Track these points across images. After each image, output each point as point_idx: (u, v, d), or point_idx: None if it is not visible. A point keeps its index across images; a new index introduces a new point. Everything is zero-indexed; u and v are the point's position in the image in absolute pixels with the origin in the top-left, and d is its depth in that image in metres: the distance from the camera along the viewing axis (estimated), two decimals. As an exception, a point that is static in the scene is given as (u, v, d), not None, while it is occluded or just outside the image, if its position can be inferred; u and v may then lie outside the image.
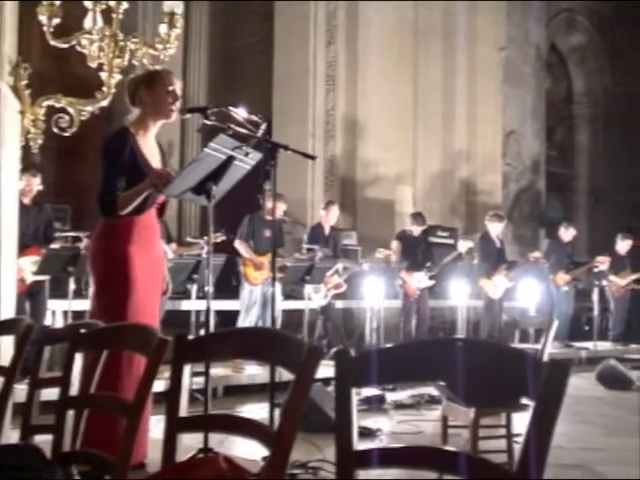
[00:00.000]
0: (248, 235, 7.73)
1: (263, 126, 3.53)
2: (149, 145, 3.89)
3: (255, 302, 7.74)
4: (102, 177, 3.75)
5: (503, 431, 4.21)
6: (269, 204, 7.74)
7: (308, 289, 7.73)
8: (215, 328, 7.95)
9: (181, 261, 7.04)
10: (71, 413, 2.11)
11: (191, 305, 7.31)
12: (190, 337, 1.79)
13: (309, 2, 11.74)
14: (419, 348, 1.41)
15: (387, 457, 1.36)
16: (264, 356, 1.62)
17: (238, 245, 7.67)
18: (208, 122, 3.46)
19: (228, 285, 8.44)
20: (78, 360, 2.12)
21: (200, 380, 6.09)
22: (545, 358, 4.00)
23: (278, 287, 7.86)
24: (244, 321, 7.75)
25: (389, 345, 1.45)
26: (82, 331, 2.14)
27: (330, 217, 8.66)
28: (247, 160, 3.55)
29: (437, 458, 1.30)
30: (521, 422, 4.32)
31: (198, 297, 7.09)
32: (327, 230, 8.67)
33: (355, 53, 11.66)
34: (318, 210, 11.53)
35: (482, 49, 13.06)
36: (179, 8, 5.49)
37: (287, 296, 8.45)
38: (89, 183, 12.17)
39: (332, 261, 8.15)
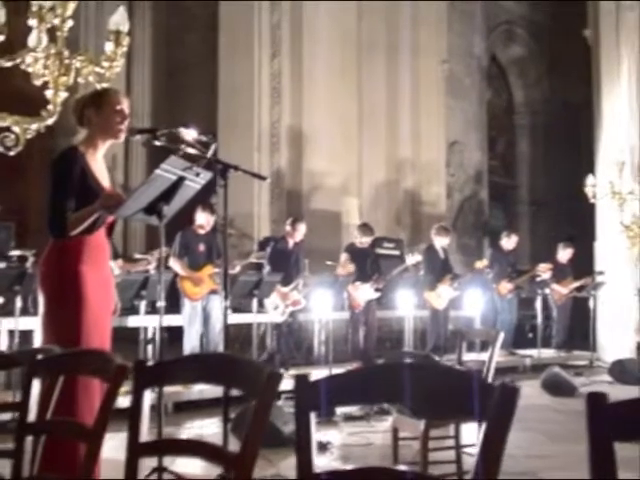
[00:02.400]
0: (181, 252, 7.68)
1: (213, 146, 3.56)
2: (98, 165, 3.88)
3: (197, 317, 7.73)
4: (51, 197, 3.72)
5: (452, 442, 4.30)
6: (199, 219, 7.77)
7: (265, 303, 7.75)
8: (163, 344, 7.98)
9: (129, 278, 7.00)
10: (29, 438, 2.11)
11: (139, 321, 7.27)
12: (149, 362, 1.82)
13: (253, 14, 11.79)
14: (372, 372, 1.47)
15: (343, 478, 1.41)
16: (224, 381, 1.66)
17: (172, 263, 7.55)
18: (158, 143, 3.48)
19: (177, 301, 8.42)
20: (36, 385, 2.12)
21: (153, 396, 6.12)
22: (492, 370, 4.11)
23: (220, 300, 7.87)
24: (189, 336, 7.73)
25: (345, 370, 1.50)
26: (39, 357, 2.15)
27: (296, 234, 8.69)
28: (197, 180, 3.58)
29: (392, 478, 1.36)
30: (469, 433, 4.44)
31: (147, 313, 7.06)
32: (291, 245, 8.70)
33: (300, 65, 11.74)
34: (265, 222, 11.61)
35: (425, 62, 13.28)
36: (125, 26, 5.49)
37: (235, 309, 8.45)
38: (32, 200, 12.05)
39: (287, 276, 8.19)
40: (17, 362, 2.36)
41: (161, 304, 3.79)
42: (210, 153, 3.54)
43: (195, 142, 3.58)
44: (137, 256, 7.59)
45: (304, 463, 1.43)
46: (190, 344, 7.65)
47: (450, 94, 14.05)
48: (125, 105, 3.86)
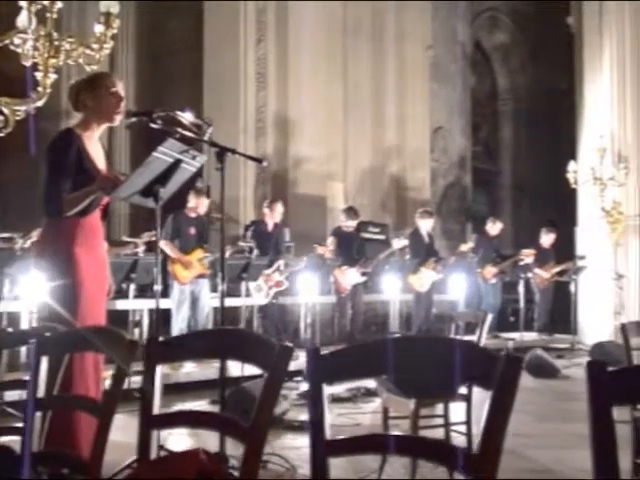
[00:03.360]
0: (173, 234, 7.71)
1: (209, 130, 3.61)
2: (94, 146, 3.91)
3: (185, 300, 7.78)
4: (47, 178, 3.75)
5: (440, 420, 4.39)
6: (192, 202, 7.81)
7: (250, 286, 7.80)
8: (158, 326, 8.02)
9: (118, 260, 7.03)
10: (38, 414, 2.17)
11: (128, 304, 7.31)
12: (160, 338, 1.88)
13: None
14: (382, 345, 1.54)
15: (356, 445, 1.48)
16: (236, 355, 1.72)
17: (164, 245, 7.57)
18: (155, 126, 3.52)
19: (164, 283, 8.47)
20: (44, 362, 2.18)
21: (139, 379, 6.17)
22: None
23: (207, 284, 7.93)
24: (176, 319, 7.79)
25: (358, 344, 1.57)
26: (48, 334, 2.20)
27: (275, 215, 8.74)
28: (193, 163, 3.63)
29: (407, 445, 1.43)
30: (457, 412, 4.54)
31: (136, 296, 7.10)
32: (270, 227, 8.76)
33: (285, 51, 11.74)
34: (250, 206, 11.64)
35: (410, 47, 13.33)
36: (115, 8, 5.50)
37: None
38: (12, 181, 11.98)
39: (270, 258, 8.25)
40: (25, 339, 2.41)
41: (157, 287, 3.84)
42: (206, 136, 3.59)
43: (191, 125, 3.62)
44: (125, 239, 7.61)
45: (317, 432, 1.50)
46: (177, 327, 7.70)
47: (434, 80, 14.12)
48: (120, 87, 3.89)
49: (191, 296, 7.80)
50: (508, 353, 1.38)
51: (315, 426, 1.52)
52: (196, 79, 12.04)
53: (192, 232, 7.87)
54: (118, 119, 3.86)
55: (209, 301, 7.94)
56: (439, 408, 4.43)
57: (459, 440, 4.30)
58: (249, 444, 1.60)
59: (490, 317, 4.15)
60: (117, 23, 5.47)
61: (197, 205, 7.90)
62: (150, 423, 1.79)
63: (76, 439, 3.07)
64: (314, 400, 1.53)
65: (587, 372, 1.28)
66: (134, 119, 3.59)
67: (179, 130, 3.56)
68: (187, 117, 3.66)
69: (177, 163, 3.52)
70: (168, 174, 3.54)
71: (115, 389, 1.94)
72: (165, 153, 3.43)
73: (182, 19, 13.51)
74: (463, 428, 4.30)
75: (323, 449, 1.49)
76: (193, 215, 7.92)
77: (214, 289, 8.31)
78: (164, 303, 8.05)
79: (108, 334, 2.09)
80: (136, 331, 7.78)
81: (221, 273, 3.78)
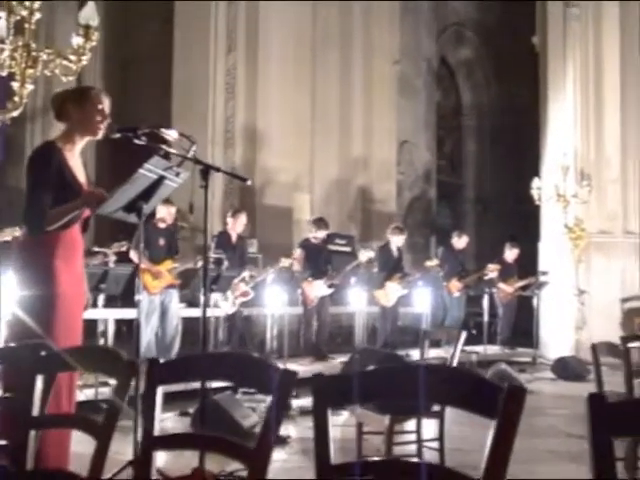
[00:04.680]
0: (138, 243, 7.65)
1: (194, 147, 3.64)
2: (75, 160, 3.91)
3: (154, 311, 7.76)
4: (29, 192, 3.74)
5: (413, 436, 4.47)
6: (161, 212, 7.80)
7: (215, 297, 7.81)
8: (116, 337, 7.99)
9: (88, 271, 6.98)
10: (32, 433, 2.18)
11: (97, 314, 7.27)
12: (161, 360, 1.92)
13: (209, 8, 11.79)
14: (389, 373, 1.60)
15: (363, 469, 1.54)
16: (238, 379, 1.76)
17: (133, 255, 7.59)
18: (139, 142, 3.55)
19: (133, 293, 8.44)
20: (39, 381, 2.20)
21: (106, 390, 6.14)
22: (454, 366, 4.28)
23: (176, 295, 7.93)
24: (145, 330, 7.75)
25: (363, 370, 1.62)
26: (43, 353, 2.22)
27: (237, 225, 8.76)
28: (177, 179, 3.66)
29: (412, 471, 1.49)
30: (429, 427, 4.62)
31: (105, 306, 7.08)
32: (234, 238, 8.77)
33: (255, 61, 11.78)
34: (217, 217, 11.64)
35: (377, 61, 13.45)
36: (94, 21, 5.50)
37: (190, 304, 8.50)
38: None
39: (238, 269, 8.27)
40: (18, 357, 2.41)
41: (138, 297, 3.86)
42: (191, 154, 3.62)
43: (176, 142, 3.65)
44: (95, 249, 7.58)
45: (323, 456, 1.55)
46: (146, 337, 7.67)
47: (401, 94, 14.26)
48: (106, 104, 3.90)
49: (160, 307, 7.79)
50: (510, 385, 1.44)
51: (320, 449, 1.57)
52: (165, 88, 12.02)
53: (161, 243, 7.87)
54: (101, 134, 3.87)
55: (178, 312, 7.95)
56: (411, 424, 4.51)
57: (432, 456, 4.39)
58: (253, 466, 1.65)
59: (464, 335, 4.23)
60: (96, 36, 5.49)
61: (166, 215, 7.89)
62: (151, 445, 1.82)
63: (66, 455, 3.07)
64: (319, 424, 1.58)
65: (588, 405, 1.35)
66: (119, 135, 3.61)
67: (164, 147, 3.59)
68: (172, 134, 3.69)
69: (161, 179, 3.55)
70: (151, 190, 3.57)
71: (114, 410, 1.97)
72: (150, 170, 3.46)
73: (151, 27, 13.47)
74: (435, 444, 4.39)
75: (328, 473, 1.53)
76: (162, 225, 7.92)
77: (183, 299, 8.32)
78: (133, 313, 8.05)
79: (106, 354, 2.12)
80: (101, 341, 7.74)
81: (203, 287, 3.79)
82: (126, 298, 7.74)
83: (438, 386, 1.48)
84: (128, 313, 7.87)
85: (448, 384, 1.47)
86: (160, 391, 1.88)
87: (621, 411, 1.35)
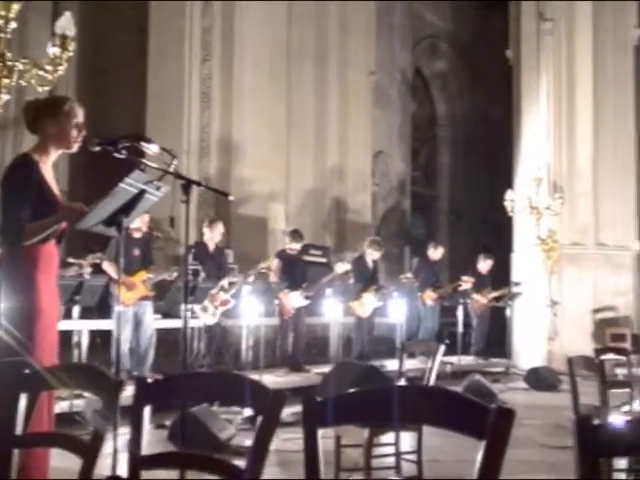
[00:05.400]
0: (116, 256, 7.55)
1: (175, 161, 3.64)
2: (49, 172, 3.88)
3: (127, 322, 7.70)
4: (7, 206, 3.71)
5: (391, 449, 4.48)
6: (135, 222, 7.72)
7: (194, 308, 7.78)
8: (90, 348, 7.93)
9: (63, 282, 6.93)
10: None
11: (72, 325, 7.22)
12: (149, 380, 1.92)
13: (184, 16, 11.78)
14: (374, 394, 1.62)
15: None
16: (228, 399, 1.77)
17: (106, 267, 7.50)
18: (120, 156, 3.53)
19: (107, 305, 8.39)
20: (23, 399, 2.18)
21: (80, 402, 6.10)
22: (432, 379, 4.31)
23: (150, 306, 7.88)
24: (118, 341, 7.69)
25: (352, 390, 1.63)
26: (27, 371, 2.21)
27: (215, 235, 8.75)
28: (157, 193, 3.65)
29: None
30: (407, 440, 4.64)
31: (80, 318, 7.03)
32: (212, 248, 8.75)
33: (230, 71, 11.79)
34: (193, 227, 11.58)
35: (353, 72, 13.51)
36: (71, 30, 5.48)
37: (165, 315, 8.46)
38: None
39: (215, 280, 8.25)
40: (1, 375, 2.39)
41: (120, 308, 3.84)
42: (172, 168, 3.62)
43: (156, 156, 3.65)
44: (70, 260, 7.52)
45: (313, 477, 1.56)
46: (120, 349, 7.61)
47: (376, 105, 14.33)
48: (81, 117, 3.86)
49: (134, 318, 7.72)
50: (499, 406, 1.46)
51: (309, 469, 1.58)
52: (139, 96, 11.97)
53: (136, 253, 7.79)
54: (76, 147, 3.83)
55: (152, 323, 7.89)
56: (389, 436, 4.52)
57: (410, 468, 4.41)
58: (243, 487, 1.65)
59: (442, 349, 4.26)
60: (73, 46, 5.47)
61: (141, 225, 7.83)
62: (138, 464, 1.82)
63: (44, 472, 3.05)
64: (308, 444, 1.59)
65: (575, 427, 1.37)
66: (98, 148, 3.59)
67: (145, 162, 3.58)
68: (152, 148, 3.68)
69: (141, 193, 3.55)
70: (132, 204, 3.56)
71: (100, 430, 1.96)
72: (131, 184, 3.45)
73: (126, 34, 13.43)
74: (413, 456, 4.41)
75: (319, 494, 1.55)
76: (137, 235, 7.85)
77: (158, 311, 8.27)
78: (107, 324, 7.99)
79: (91, 373, 2.11)
80: (76, 352, 7.68)
81: (184, 300, 3.77)
82: (101, 309, 7.69)
83: (428, 407, 1.50)
84: (103, 324, 7.83)
85: (438, 405, 1.49)
86: (147, 410, 1.88)
87: (607, 432, 1.38)
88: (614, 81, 12.11)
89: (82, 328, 7.44)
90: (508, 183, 12.32)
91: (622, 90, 12.24)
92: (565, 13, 12.05)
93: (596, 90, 12.01)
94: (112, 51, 13.65)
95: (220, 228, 8.83)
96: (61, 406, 5.91)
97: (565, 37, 12.07)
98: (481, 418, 1.45)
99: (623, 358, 5.46)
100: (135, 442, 1.84)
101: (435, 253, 11.25)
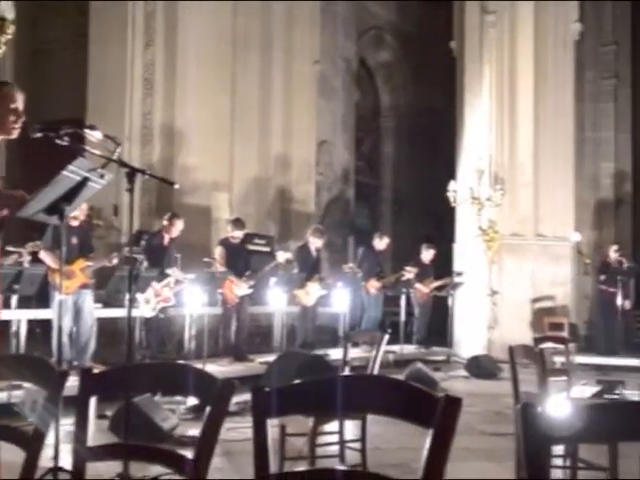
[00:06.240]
0: (53, 244, 7.40)
1: (118, 149, 3.59)
2: (-13, 160, 3.80)
3: (67, 311, 7.57)
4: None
5: (335, 437, 4.51)
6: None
7: (138, 298, 7.70)
8: (29, 338, 7.77)
9: (1, 271, 6.78)
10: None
11: (10, 315, 7.06)
12: (95, 370, 1.89)
13: (126, 1, 11.58)
14: (321, 384, 1.63)
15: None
16: (176, 390, 1.76)
17: (44, 256, 7.35)
18: (62, 143, 3.46)
19: (47, 294, 8.23)
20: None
21: (19, 393, 5.98)
22: (377, 368, 4.35)
23: (90, 295, 7.76)
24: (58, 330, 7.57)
25: (300, 381, 1.64)
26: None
27: (173, 230, 8.74)
28: (100, 181, 3.60)
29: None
30: (351, 428, 4.68)
31: (19, 307, 6.89)
32: (166, 241, 8.72)
33: (174, 58, 11.65)
34: (135, 215, 11.43)
35: (297, 61, 13.47)
36: (10, 13, 5.36)
37: (105, 304, 8.35)
38: None
39: (160, 275, 8.19)
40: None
41: (61, 297, 3.78)
42: (115, 156, 3.57)
43: (100, 143, 3.59)
44: (10, 249, 7.34)
45: (262, 467, 1.56)
46: (61, 339, 7.48)
47: (320, 94, 14.32)
48: (20, 102, 3.74)
49: (74, 307, 7.59)
50: (447, 394, 1.48)
51: (259, 460, 1.58)
52: (80, 80, 11.73)
53: (74, 241, 7.62)
54: (16, 133, 3.73)
55: (93, 312, 7.78)
56: (333, 425, 4.55)
57: (354, 456, 4.44)
58: (193, 476, 1.65)
59: (386, 338, 4.30)
60: (12, 29, 5.35)
61: (78, 214, 7.68)
62: (85, 456, 1.79)
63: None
64: (258, 435, 1.59)
65: (520, 414, 1.40)
66: (39, 134, 3.51)
67: (88, 149, 3.52)
68: (96, 135, 3.62)
69: (84, 181, 3.49)
70: (74, 192, 3.50)
71: (44, 422, 1.93)
72: (74, 172, 3.39)
73: (66, 15, 13.12)
74: (357, 445, 4.44)
75: (268, 484, 1.55)
76: (75, 224, 7.68)
77: (98, 300, 8.15)
78: (46, 314, 7.85)
79: (34, 363, 2.07)
80: (14, 342, 7.52)
81: (128, 289, 3.73)
82: (41, 299, 7.55)
83: (375, 397, 1.51)
84: (42, 314, 7.69)
85: (386, 395, 1.51)
86: (93, 402, 1.86)
87: (554, 419, 1.41)
88: (554, 74, 12.33)
89: (21, 317, 7.29)
90: (450, 173, 12.47)
91: (562, 83, 12.47)
92: (508, 6, 12.22)
93: (537, 83, 12.21)
94: (51, 32, 13.33)
95: (179, 224, 8.83)
96: (-1, 397, 5.81)
97: (507, 30, 12.24)
98: (429, 406, 1.46)
99: (561, 347, 5.60)
100: (81, 434, 1.82)
101: (380, 243, 11.34)
